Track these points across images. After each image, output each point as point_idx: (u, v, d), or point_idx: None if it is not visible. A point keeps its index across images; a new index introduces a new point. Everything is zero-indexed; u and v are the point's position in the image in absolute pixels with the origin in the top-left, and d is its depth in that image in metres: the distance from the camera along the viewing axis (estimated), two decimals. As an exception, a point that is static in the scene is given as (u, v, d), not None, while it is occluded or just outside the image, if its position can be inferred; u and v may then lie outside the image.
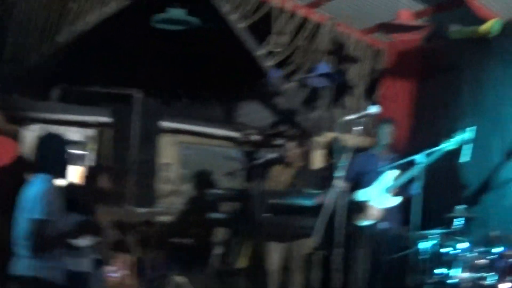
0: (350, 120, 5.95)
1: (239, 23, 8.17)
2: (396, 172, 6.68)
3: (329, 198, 5.82)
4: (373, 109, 5.89)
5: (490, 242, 5.81)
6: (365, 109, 6.03)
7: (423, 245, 6.03)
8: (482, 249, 5.76)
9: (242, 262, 7.99)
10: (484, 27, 7.59)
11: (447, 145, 6.40)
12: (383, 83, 9.36)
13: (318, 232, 5.86)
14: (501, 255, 5.66)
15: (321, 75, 8.40)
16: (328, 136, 8.79)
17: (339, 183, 5.87)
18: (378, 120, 7.01)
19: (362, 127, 5.88)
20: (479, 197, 7.53)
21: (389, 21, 6.71)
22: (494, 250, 5.72)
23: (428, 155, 6.27)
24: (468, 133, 6.32)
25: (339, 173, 5.83)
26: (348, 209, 6.06)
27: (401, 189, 6.68)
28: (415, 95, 8.89)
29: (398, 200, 6.69)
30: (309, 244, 6.82)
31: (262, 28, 8.31)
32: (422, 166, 6.18)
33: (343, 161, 5.80)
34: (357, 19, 8.77)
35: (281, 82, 8.92)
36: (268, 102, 10.05)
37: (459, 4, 7.52)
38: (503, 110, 7.56)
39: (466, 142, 6.30)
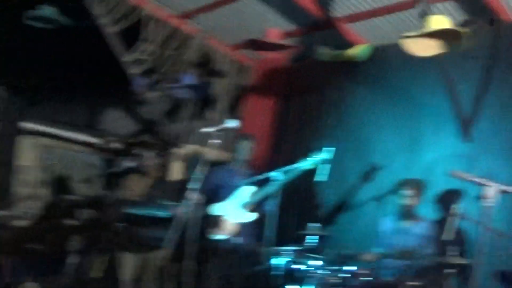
0: (208, 133, 5.88)
1: (110, 27, 7.88)
2: (253, 188, 6.64)
3: (183, 210, 5.73)
4: (232, 123, 5.88)
5: (343, 261, 5.84)
6: (225, 123, 5.99)
7: (276, 261, 5.98)
8: (335, 267, 5.77)
9: (96, 272, 7.66)
10: (352, 51, 7.79)
11: (305, 164, 6.44)
12: (248, 99, 9.36)
13: (170, 244, 5.69)
14: (353, 274, 5.70)
15: (186, 86, 8.25)
16: (188, 148, 8.66)
17: (194, 196, 5.74)
18: (238, 135, 6.96)
19: (220, 141, 5.84)
20: (335, 216, 7.68)
21: (256, 38, 6.68)
22: (346, 268, 5.74)
23: (285, 173, 6.28)
24: (326, 153, 6.39)
25: (194, 185, 5.74)
26: (203, 222, 6.03)
27: (256, 205, 6.63)
28: (278, 113, 8.94)
29: (253, 216, 6.64)
30: (162, 255, 6.61)
31: (133, 34, 8.07)
32: (278, 184, 6.16)
33: (199, 174, 5.71)
34: (227, 34, 8.74)
35: (146, 90, 8.68)
36: (132, 110, 9.78)
37: (328, 27, 7.64)
38: (363, 133, 7.74)
39: (324, 162, 6.36)
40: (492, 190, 2.95)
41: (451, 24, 5.05)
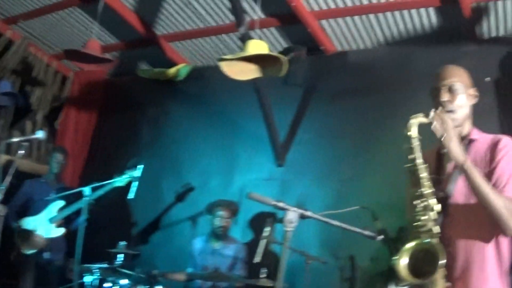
0: (16, 143, 5.66)
1: None
2: (62, 202, 6.45)
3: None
4: (40, 134, 5.65)
5: (153, 280, 5.75)
6: (34, 133, 5.76)
7: (87, 279, 5.81)
8: (143, 286, 5.68)
9: None
10: (173, 70, 7.75)
11: (116, 180, 6.36)
12: (66, 111, 9.00)
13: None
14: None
15: (2, 93, 7.81)
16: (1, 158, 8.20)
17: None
18: (52, 147, 6.70)
19: (23, 152, 5.66)
20: (150, 234, 7.57)
21: (76, 49, 6.47)
22: (155, 288, 5.68)
23: (95, 189, 6.11)
24: (137, 171, 6.31)
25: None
26: (14, 236, 5.89)
27: (65, 220, 6.52)
28: (95, 127, 8.70)
29: (61, 231, 6.49)
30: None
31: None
32: (88, 200, 5.97)
33: (5, 185, 5.36)
34: (50, 42, 8.45)
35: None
36: None
37: (151, 44, 7.57)
38: (180, 152, 7.71)
39: (135, 179, 6.28)
40: (292, 215, 2.98)
41: (268, 50, 5.12)
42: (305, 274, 5.61)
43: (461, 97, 2.94)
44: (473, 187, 2.70)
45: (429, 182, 2.79)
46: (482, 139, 2.96)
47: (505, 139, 2.86)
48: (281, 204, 3.07)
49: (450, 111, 2.91)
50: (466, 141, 2.96)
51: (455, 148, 2.72)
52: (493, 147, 2.84)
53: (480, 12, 6.01)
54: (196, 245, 6.49)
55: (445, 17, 6.22)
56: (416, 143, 2.84)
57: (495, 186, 2.72)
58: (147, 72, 8.11)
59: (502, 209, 2.64)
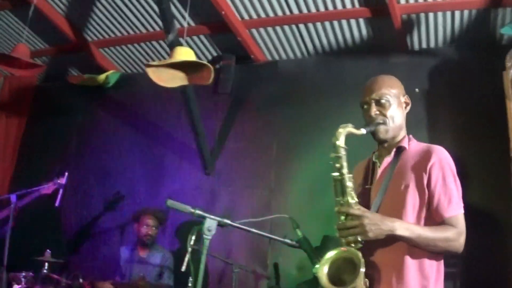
0: None
1: None
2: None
3: None
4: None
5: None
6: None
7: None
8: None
9: None
10: (102, 76, 7.64)
11: (45, 188, 6.20)
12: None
13: None
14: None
15: None
16: None
17: None
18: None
19: None
20: (77, 243, 7.46)
21: (3, 52, 6.30)
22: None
23: (22, 196, 5.96)
24: (64, 179, 6.21)
25: None
26: None
27: None
28: (23, 133, 8.48)
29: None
30: None
31: None
32: (13, 207, 5.81)
33: None
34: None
35: None
36: None
37: (81, 50, 7.45)
38: (109, 160, 7.61)
39: (61, 186, 6.17)
40: (210, 222, 2.96)
41: (195, 57, 5.11)
42: (232, 282, 5.63)
43: (392, 107, 2.96)
44: (413, 244, 2.72)
45: (353, 192, 2.78)
46: (414, 147, 2.98)
47: (437, 152, 2.85)
48: (198, 212, 3.05)
49: (381, 123, 2.94)
50: (397, 149, 2.98)
51: (380, 231, 2.65)
52: (426, 159, 2.83)
53: (410, 24, 6.14)
54: (123, 253, 6.41)
55: (376, 28, 6.33)
56: (343, 153, 2.81)
57: (437, 207, 2.75)
58: (76, 78, 7.98)
59: (447, 243, 2.69)
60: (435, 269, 2.77)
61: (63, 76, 8.18)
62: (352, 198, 2.77)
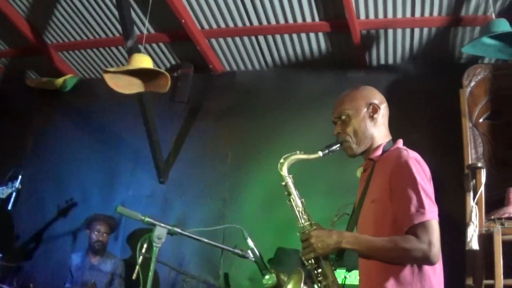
0: None
1: None
2: None
3: None
4: None
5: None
6: None
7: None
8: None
9: None
10: (60, 80, 7.58)
11: (-3, 192, 6.11)
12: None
13: None
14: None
15: None
16: None
17: None
18: None
19: None
20: (29, 248, 7.33)
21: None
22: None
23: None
24: (16, 183, 6.08)
25: None
26: None
27: None
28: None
29: None
30: None
31: None
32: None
33: None
34: None
35: None
36: None
37: (40, 53, 7.36)
38: (63, 165, 7.52)
39: (14, 190, 6.07)
40: (160, 230, 2.96)
41: (152, 64, 5.11)
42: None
43: (353, 122, 2.94)
44: (366, 256, 2.73)
45: (302, 213, 2.87)
46: (387, 156, 2.89)
47: (397, 160, 2.76)
48: (148, 219, 3.05)
49: (344, 141, 2.93)
50: (367, 163, 2.97)
51: (327, 246, 2.72)
52: (388, 169, 2.76)
53: (370, 39, 6.22)
54: (74, 260, 6.36)
55: (335, 42, 6.40)
56: (288, 181, 2.92)
57: (398, 219, 2.65)
58: (34, 81, 7.90)
59: (405, 254, 2.58)
60: (418, 277, 2.64)
61: (21, 79, 8.09)
62: (305, 220, 2.86)
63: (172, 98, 6.55)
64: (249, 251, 2.88)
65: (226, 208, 6.56)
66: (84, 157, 7.49)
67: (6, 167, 7.34)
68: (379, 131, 2.98)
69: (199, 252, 6.46)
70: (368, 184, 2.87)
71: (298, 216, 2.88)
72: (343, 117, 2.96)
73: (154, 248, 3.03)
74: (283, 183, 2.92)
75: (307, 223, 2.84)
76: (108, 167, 7.35)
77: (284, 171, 2.92)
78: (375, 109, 2.98)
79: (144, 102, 6.29)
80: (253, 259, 2.88)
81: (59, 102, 7.86)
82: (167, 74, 5.06)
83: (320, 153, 2.91)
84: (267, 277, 2.75)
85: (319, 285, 2.80)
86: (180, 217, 6.66)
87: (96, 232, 6.26)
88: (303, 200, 2.92)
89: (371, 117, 2.96)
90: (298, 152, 2.95)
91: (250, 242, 2.92)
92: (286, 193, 2.94)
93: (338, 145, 2.94)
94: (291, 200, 2.92)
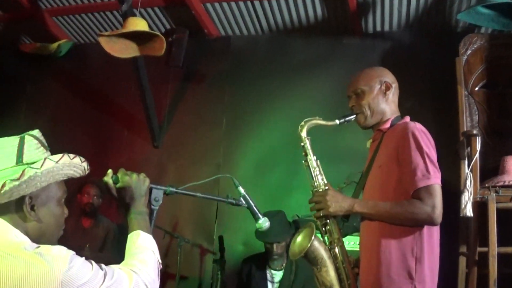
0: None
1: None
2: None
3: None
4: None
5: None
6: None
7: None
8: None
9: None
10: (54, 45, 7.52)
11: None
12: None
13: None
14: None
15: None
16: None
17: None
18: None
19: None
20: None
21: None
22: None
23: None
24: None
25: None
26: None
27: None
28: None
29: None
30: None
31: None
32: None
33: None
34: None
35: None
36: None
37: (34, 18, 7.27)
38: (56, 130, 7.31)
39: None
40: (156, 193, 2.96)
41: (147, 27, 5.08)
42: (177, 256, 5.66)
43: (367, 96, 3.20)
44: (377, 219, 2.93)
45: (318, 174, 3.18)
46: (396, 128, 3.12)
47: (405, 129, 3.00)
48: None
49: (358, 113, 3.20)
50: (376, 133, 3.21)
51: (340, 208, 3.00)
52: (397, 137, 3.02)
53: (366, 6, 6.19)
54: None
55: (331, 8, 6.36)
56: (306, 142, 3.24)
57: (405, 183, 2.90)
58: (28, 47, 7.83)
59: (412, 216, 2.81)
60: (425, 249, 2.85)
61: (15, 44, 8.01)
62: (322, 178, 3.18)
63: (167, 63, 6.51)
64: (241, 198, 2.90)
65: (220, 173, 6.55)
66: (78, 122, 7.45)
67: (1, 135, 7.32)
68: (389, 107, 3.24)
69: (193, 216, 6.50)
70: (377, 152, 3.14)
71: (313, 176, 3.18)
72: (358, 91, 3.23)
73: (153, 210, 3.03)
74: (302, 144, 3.24)
75: (322, 183, 3.14)
76: (102, 132, 7.32)
77: (304, 133, 3.23)
78: (387, 87, 3.23)
79: (139, 66, 6.26)
80: (246, 206, 2.91)
81: (53, 67, 7.80)
82: (162, 37, 5.05)
83: (337, 121, 3.23)
84: (260, 221, 2.82)
85: (327, 239, 3.07)
86: (174, 182, 6.64)
87: (86, 195, 6.24)
88: (318, 161, 3.21)
89: (384, 94, 3.22)
90: (317, 117, 3.26)
91: (241, 189, 2.94)
92: (303, 153, 3.25)
93: (354, 116, 3.23)
94: (308, 160, 3.22)
